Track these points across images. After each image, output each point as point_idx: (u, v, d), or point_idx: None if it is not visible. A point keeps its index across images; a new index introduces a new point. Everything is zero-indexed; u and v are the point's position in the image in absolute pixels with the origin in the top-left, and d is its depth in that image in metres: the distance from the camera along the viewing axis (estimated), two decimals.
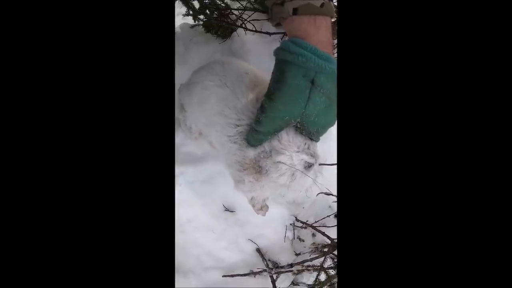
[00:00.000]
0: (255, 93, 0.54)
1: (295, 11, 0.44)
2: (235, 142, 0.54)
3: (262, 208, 0.70)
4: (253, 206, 0.69)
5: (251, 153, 0.52)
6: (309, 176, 0.50)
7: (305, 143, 0.50)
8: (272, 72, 0.48)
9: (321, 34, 0.44)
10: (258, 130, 0.49)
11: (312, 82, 0.43)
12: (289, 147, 0.49)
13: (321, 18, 0.44)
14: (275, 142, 0.50)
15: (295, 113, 0.46)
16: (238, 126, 0.53)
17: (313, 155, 0.50)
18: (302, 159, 0.49)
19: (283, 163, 0.49)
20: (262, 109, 0.47)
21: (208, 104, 0.58)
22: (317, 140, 0.51)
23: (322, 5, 0.44)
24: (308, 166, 0.50)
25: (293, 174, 0.50)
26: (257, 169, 0.52)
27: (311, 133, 0.49)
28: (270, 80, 0.48)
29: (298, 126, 0.48)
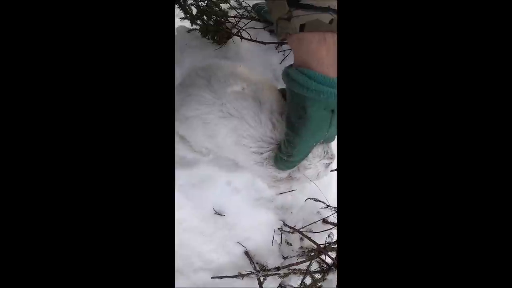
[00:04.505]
0: (266, 114, 0.53)
1: (302, 28, 0.41)
2: (264, 166, 0.57)
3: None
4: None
5: (284, 174, 0.59)
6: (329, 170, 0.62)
7: (324, 150, 0.57)
8: (288, 100, 0.48)
9: (331, 56, 0.42)
10: (292, 160, 0.52)
11: (332, 110, 0.45)
12: (313, 160, 0.56)
13: (330, 35, 0.41)
14: (302, 161, 0.56)
15: (320, 139, 0.51)
16: (262, 153, 0.55)
17: (331, 157, 0.58)
18: (323, 163, 0.57)
19: (308, 177, 0.59)
20: (290, 144, 0.50)
21: (219, 137, 0.56)
22: (332, 140, 0.58)
23: (331, 21, 0.41)
24: (328, 164, 0.59)
25: (317, 175, 0.59)
26: (289, 179, 0.61)
27: (329, 142, 0.57)
28: (287, 110, 0.48)
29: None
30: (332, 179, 0.81)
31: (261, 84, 0.56)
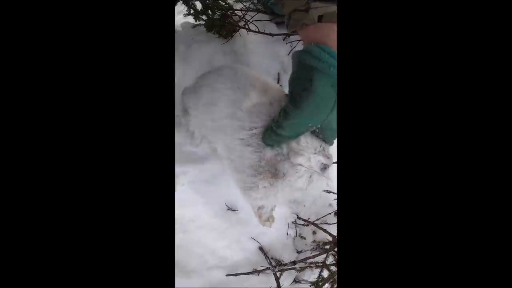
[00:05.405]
0: (268, 97, 0.53)
1: (320, 19, 0.43)
2: (248, 145, 0.52)
3: (269, 219, 0.69)
4: (260, 216, 0.67)
5: (268, 153, 0.51)
6: (325, 177, 0.51)
7: (321, 146, 0.50)
8: (294, 75, 0.47)
9: None
10: (279, 133, 0.48)
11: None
12: (307, 149, 0.49)
13: None
14: (293, 144, 0.50)
15: (319, 121, 0.46)
16: (252, 129, 0.52)
17: (329, 157, 0.51)
18: (319, 161, 0.50)
19: (301, 165, 0.49)
20: (285, 115, 0.46)
21: (217, 106, 0.56)
22: (331, 144, 0.52)
23: None
24: (324, 167, 0.51)
25: (310, 176, 0.50)
26: (274, 172, 0.51)
27: (327, 137, 0.50)
28: (292, 84, 0.47)
29: (316, 130, 0.49)
30: None
31: (275, 88, 0.58)
